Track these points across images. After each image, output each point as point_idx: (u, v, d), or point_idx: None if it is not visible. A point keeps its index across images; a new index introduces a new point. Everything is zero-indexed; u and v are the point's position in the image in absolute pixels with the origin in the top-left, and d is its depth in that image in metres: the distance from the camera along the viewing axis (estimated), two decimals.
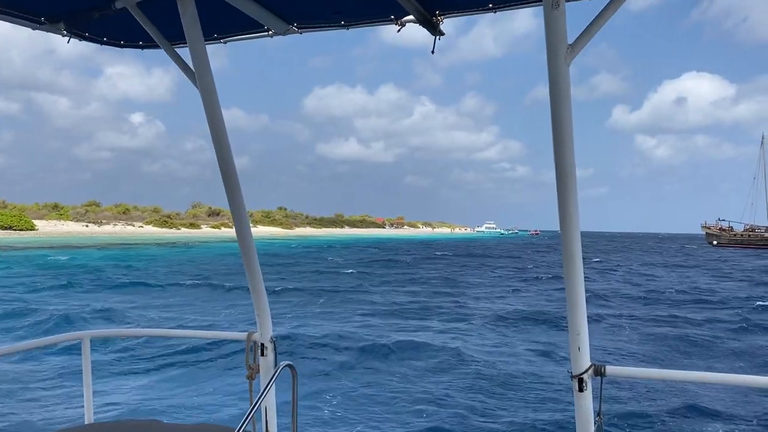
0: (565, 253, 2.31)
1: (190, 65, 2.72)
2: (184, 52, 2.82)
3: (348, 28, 2.77)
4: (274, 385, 2.97)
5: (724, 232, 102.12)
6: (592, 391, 2.49)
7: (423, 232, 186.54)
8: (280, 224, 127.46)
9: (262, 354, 3.22)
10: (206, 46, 2.71)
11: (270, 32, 2.88)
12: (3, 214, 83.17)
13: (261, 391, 2.95)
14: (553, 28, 2.00)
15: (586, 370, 2.45)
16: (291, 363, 2.92)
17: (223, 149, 2.85)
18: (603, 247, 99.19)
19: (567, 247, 2.30)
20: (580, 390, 2.46)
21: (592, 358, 2.49)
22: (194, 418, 8.77)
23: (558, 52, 2.01)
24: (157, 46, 2.94)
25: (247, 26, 2.86)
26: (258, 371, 3.21)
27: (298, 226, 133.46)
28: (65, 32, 2.83)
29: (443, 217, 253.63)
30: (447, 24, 2.54)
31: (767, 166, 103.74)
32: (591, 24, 2.06)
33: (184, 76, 2.81)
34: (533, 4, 2.37)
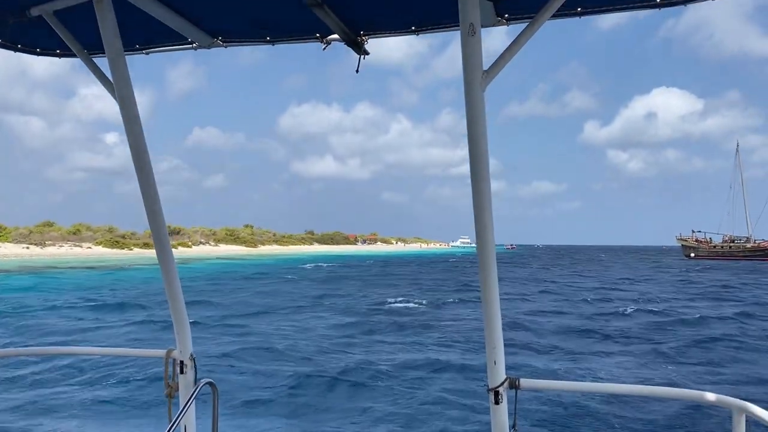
0: (482, 270, 2.43)
1: (109, 76, 2.81)
2: (103, 62, 2.94)
3: (273, 44, 2.93)
4: (194, 403, 3.12)
5: (702, 244, 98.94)
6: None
7: (395, 248, 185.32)
8: (245, 242, 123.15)
9: (182, 371, 3.27)
10: (126, 56, 2.80)
11: (194, 45, 3.01)
12: None
13: (180, 410, 3.09)
14: (470, 54, 2.12)
15: (502, 383, 2.59)
16: (211, 380, 3.10)
17: (141, 161, 2.90)
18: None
19: (483, 264, 2.42)
20: (496, 403, 2.61)
21: (507, 372, 2.67)
22: None
23: (474, 77, 2.14)
24: (74, 55, 3.06)
25: (170, 38, 2.98)
26: (177, 389, 3.28)
27: (264, 244, 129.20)
28: None
29: (418, 232, 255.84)
30: (372, 44, 2.78)
31: (744, 173, 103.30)
32: (506, 50, 2.20)
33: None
34: (452, 28, 2.50)
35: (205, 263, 74.29)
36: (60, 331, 19.31)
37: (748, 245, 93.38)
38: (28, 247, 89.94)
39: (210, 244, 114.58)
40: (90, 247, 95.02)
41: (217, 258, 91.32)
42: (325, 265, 72.41)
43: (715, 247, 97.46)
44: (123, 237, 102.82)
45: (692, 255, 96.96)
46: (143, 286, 38.35)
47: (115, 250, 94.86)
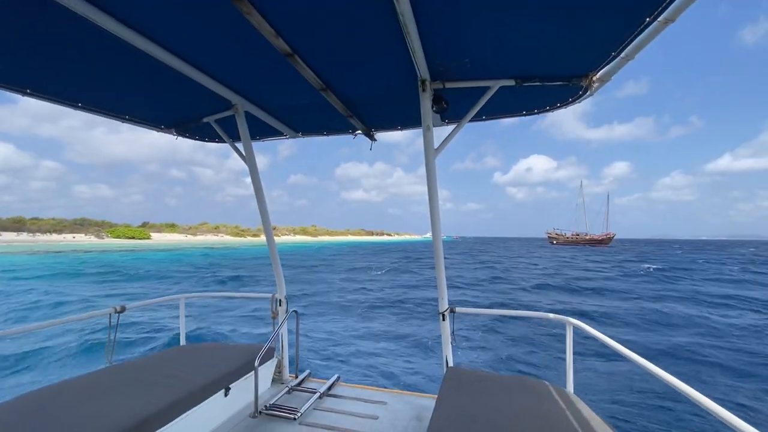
0: (435, 248, 3.58)
1: (242, 152, 4.04)
2: (239, 145, 4.16)
3: (328, 135, 4.37)
4: (286, 322, 4.26)
5: (559, 236, 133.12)
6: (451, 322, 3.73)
7: (390, 238, 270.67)
8: (311, 234, 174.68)
9: (279, 305, 4.49)
10: (252, 142, 4.02)
11: (287, 136, 4.37)
12: None
13: (278, 325, 4.26)
14: (428, 140, 3.26)
15: (446, 310, 3.69)
16: (296, 310, 4.29)
17: (259, 192, 4.20)
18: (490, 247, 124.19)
19: (436, 245, 3.59)
20: (443, 320, 3.70)
21: (449, 302, 3.73)
22: (238, 341, 11.50)
23: (429, 152, 3.30)
24: (224, 142, 4.32)
25: (274, 132, 4.40)
26: (278, 314, 4.49)
27: (322, 235, 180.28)
28: (175, 134, 4.22)
29: (409, 228, 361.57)
30: (378, 135, 4.22)
31: (584, 198, 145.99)
32: (446, 137, 3.45)
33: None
34: (418, 128, 3.74)
35: (288, 245, 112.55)
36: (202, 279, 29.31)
37: (586, 237, 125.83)
38: (186, 236, 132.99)
39: (290, 235, 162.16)
40: (222, 236, 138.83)
41: (293, 243, 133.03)
42: (349, 247, 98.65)
43: (567, 238, 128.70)
44: (243, 230, 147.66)
45: (554, 243, 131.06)
46: (248, 256, 56.57)
47: (237, 238, 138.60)
